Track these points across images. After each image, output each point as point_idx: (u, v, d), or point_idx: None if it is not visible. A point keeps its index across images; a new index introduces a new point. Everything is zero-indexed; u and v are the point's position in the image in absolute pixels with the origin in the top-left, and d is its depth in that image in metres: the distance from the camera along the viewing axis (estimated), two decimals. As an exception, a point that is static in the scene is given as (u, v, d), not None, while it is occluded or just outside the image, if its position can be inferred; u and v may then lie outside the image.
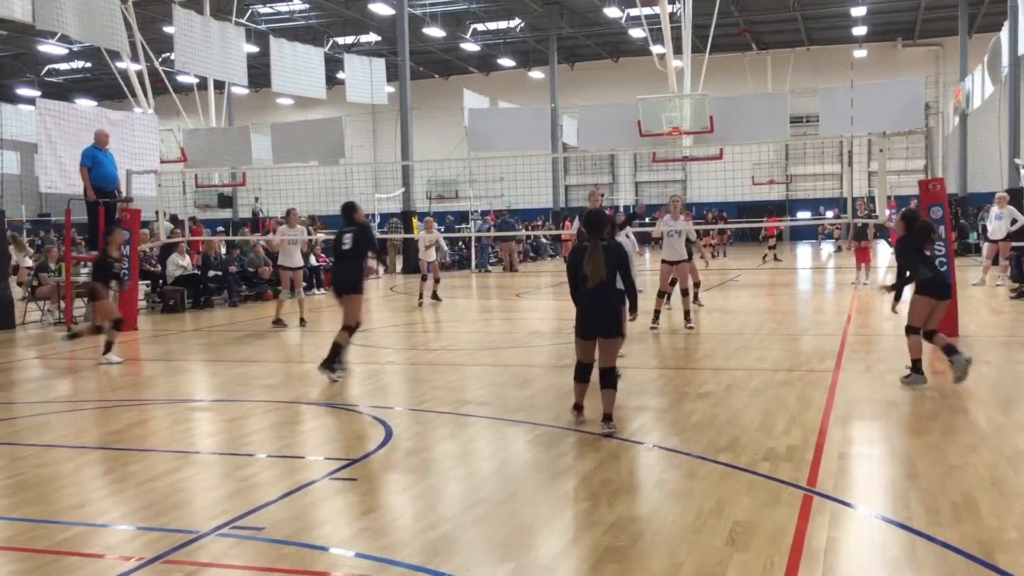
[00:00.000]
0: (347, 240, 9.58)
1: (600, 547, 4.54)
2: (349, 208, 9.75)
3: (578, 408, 7.22)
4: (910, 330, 8.26)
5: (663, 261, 13.11)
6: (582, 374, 7.09)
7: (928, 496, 5.18)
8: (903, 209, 9.07)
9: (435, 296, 18.29)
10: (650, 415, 7.58)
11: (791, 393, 8.18)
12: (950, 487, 5.34)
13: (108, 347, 11.16)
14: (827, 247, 35.49)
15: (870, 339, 11.72)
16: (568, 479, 5.75)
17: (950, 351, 8.06)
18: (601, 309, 6.84)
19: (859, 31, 39.07)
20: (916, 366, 8.23)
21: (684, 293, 13.07)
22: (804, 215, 42.26)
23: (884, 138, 13.03)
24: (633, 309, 7.30)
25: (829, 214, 37.72)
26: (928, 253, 8.45)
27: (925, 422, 7.04)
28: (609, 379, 6.88)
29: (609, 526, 4.82)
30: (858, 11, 35.96)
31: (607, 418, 6.83)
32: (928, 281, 8.14)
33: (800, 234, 44.74)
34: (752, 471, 5.73)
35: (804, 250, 36.91)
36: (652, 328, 12.52)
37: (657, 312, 12.80)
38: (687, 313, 12.93)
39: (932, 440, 6.44)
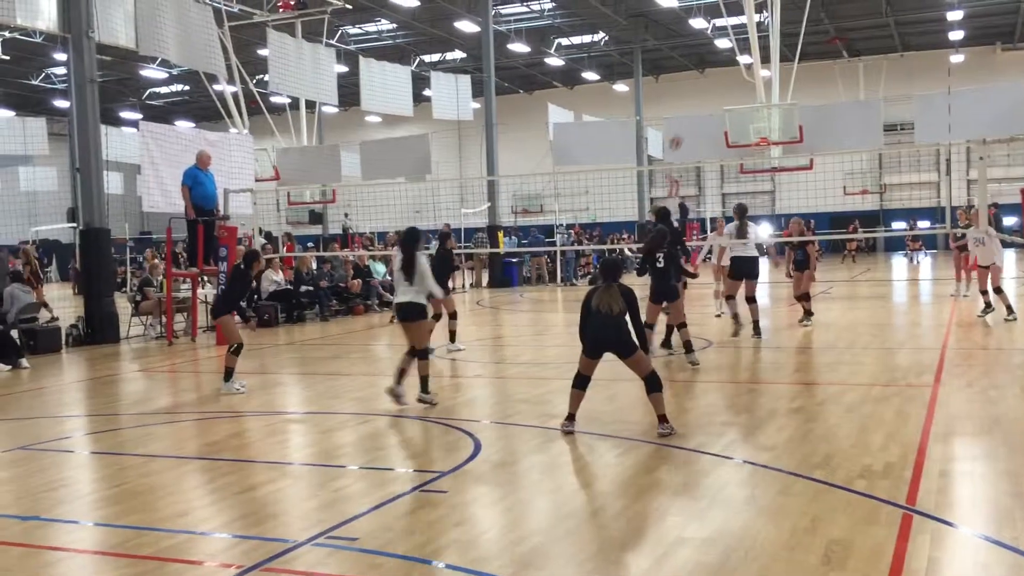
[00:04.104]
0: None
1: (691, 563, 4.49)
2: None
3: (570, 418, 7.45)
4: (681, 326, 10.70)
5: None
6: (580, 382, 7.47)
7: (1036, 516, 4.97)
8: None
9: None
10: (739, 430, 7.47)
11: (888, 408, 7.95)
12: (1060, 507, 5.11)
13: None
14: (919, 258, 34.43)
15: (971, 353, 11.31)
16: (658, 494, 5.70)
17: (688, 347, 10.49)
18: (609, 330, 7.21)
19: (956, 35, 37.87)
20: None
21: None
22: (899, 226, 41.12)
23: (983, 145, 12.61)
24: (645, 350, 7.64)
25: (900, 224, 36.64)
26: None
27: (1032, 439, 6.76)
28: (652, 384, 7.22)
29: (700, 542, 4.76)
30: (954, 15, 34.86)
31: (662, 419, 7.18)
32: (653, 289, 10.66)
33: (894, 245, 43.49)
34: (848, 488, 5.59)
35: (899, 261, 35.85)
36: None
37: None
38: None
39: (1039, 458, 6.19)
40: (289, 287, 18.90)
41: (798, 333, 13.51)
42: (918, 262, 33.12)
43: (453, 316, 12.79)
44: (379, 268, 21.66)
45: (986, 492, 5.58)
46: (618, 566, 4.51)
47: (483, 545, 4.89)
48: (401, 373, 8.70)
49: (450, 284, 13.62)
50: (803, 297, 14.29)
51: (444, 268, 12.85)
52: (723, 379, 10.00)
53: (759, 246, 14.36)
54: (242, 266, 10.37)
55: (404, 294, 8.73)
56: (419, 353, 8.73)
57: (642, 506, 5.47)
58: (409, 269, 8.65)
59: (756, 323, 12.82)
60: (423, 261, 8.77)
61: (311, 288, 19.11)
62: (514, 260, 28.97)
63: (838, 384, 9.36)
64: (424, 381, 8.78)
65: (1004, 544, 4.58)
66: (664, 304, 10.96)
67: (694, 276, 12.72)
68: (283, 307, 18.49)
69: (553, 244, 31.01)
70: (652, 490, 5.78)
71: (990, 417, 7.47)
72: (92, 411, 9.80)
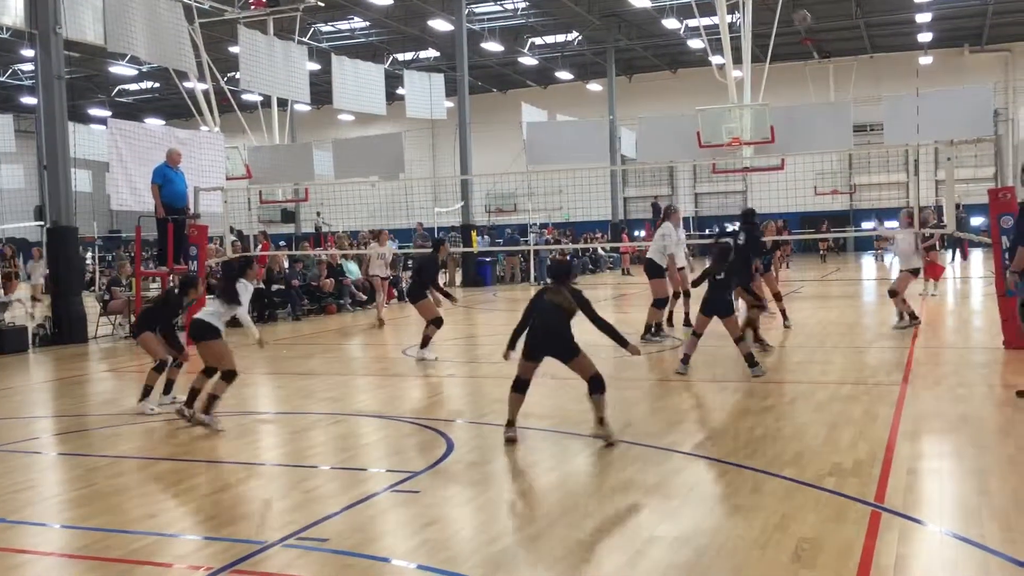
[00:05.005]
0: None
1: (663, 562, 4.51)
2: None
3: (510, 424, 7.20)
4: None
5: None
6: (519, 386, 7.22)
7: (1002, 513, 5.04)
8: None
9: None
10: (712, 429, 7.51)
11: (857, 407, 8.03)
12: (1025, 504, 5.19)
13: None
14: (888, 258, 34.87)
15: (939, 352, 11.45)
16: (630, 493, 5.72)
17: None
18: (553, 335, 7.06)
19: (924, 38, 38.29)
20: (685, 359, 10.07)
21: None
22: (869, 226, 41.56)
23: (951, 146, 12.76)
24: (623, 344, 7.39)
25: (870, 224, 37.02)
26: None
27: (997, 437, 6.86)
28: (595, 386, 7.00)
29: (672, 540, 4.78)
30: (923, 17, 35.23)
31: (600, 421, 6.97)
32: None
33: (863, 245, 43.96)
34: (818, 486, 5.63)
35: (868, 260, 36.22)
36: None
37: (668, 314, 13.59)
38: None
39: (1005, 455, 6.27)
40: (261, 286, 18.75)
41: (770, 333, 13.58)
42: (890, 263, 33.45)
43: (436, 323, 12.11)
44: (352, 267, 21.57)
45: (953, 489, 5.65)
46: (591, 565, 4.52)
47: (455, 545, 4.88)
48: (192, 393, 8.21)
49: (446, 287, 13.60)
50: (777, 297, 14.39)
51: (432, 272, 12.78)
52: (694, 378, 10.04)
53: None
54: (176, 290, 9.71)
55: (203, 312, 8.21)
56: (225, 374, 8.07)
57: (614, 505, 5.48)
58: (223, 295, 8.23)
59: (686, 315, 13.45)
60: (241, 292, 8.24)
61: (283, 287, 19.00)
62: (487, 259, 28.96)
63: (808, 383, 9.44)
64: (211, 400, 7.92)
65: (971, 541, 4.64)
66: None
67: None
68: (254, 306, 18.34)
69: (526, 243, 31.00)
70: (624, 489, 5.79)
71: (957, 415, 7.57)
72: (60, 412, 9.68)
